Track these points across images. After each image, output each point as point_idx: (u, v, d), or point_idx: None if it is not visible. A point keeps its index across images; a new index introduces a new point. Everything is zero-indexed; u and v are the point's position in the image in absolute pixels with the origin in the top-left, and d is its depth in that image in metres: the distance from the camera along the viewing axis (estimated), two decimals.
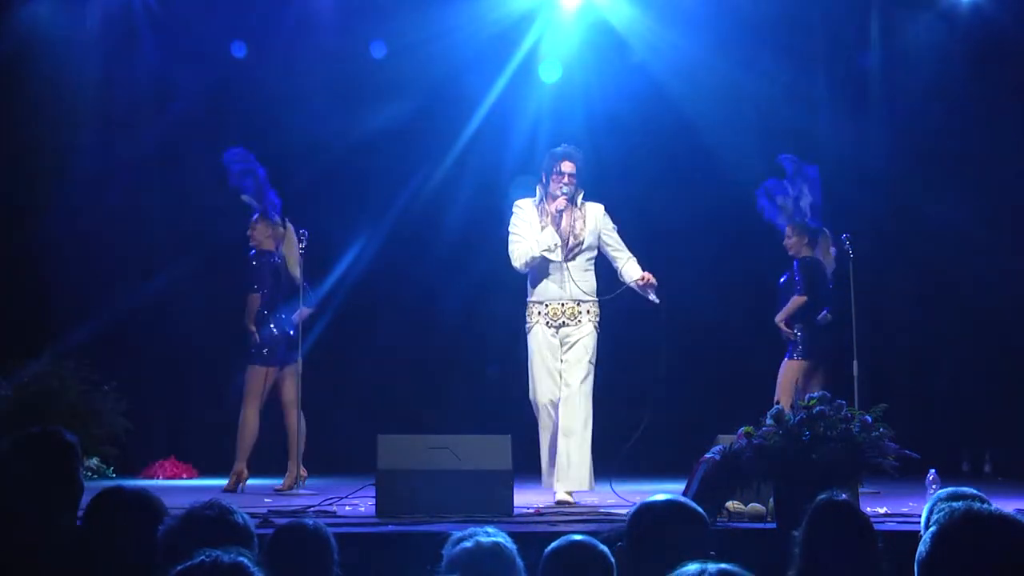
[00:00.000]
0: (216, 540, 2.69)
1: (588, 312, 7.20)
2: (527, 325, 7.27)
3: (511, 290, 9.90)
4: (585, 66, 10.20)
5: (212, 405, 9.96)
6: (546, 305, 7.19)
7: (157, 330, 9.91)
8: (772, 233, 9.12)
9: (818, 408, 5.56)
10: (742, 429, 5.68)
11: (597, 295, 7.24)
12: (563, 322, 7.17)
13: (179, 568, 2.34)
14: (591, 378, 7.10)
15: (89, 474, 8.53)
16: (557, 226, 7.17)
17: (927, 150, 10.03)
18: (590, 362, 7.12)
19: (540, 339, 7.17)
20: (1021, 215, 9.89)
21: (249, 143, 9.12)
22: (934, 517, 2.48)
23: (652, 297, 7.17)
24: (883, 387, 8.80)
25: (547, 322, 7.17)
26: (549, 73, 10.24)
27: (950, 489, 3.81)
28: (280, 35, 9.94)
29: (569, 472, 6.95)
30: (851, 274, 8.24)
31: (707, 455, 5.84)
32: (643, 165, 9.97)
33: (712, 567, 2.35)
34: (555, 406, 7.09)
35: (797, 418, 5.55)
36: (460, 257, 10.14)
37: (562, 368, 7.12)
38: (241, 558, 2.34)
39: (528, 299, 7.28)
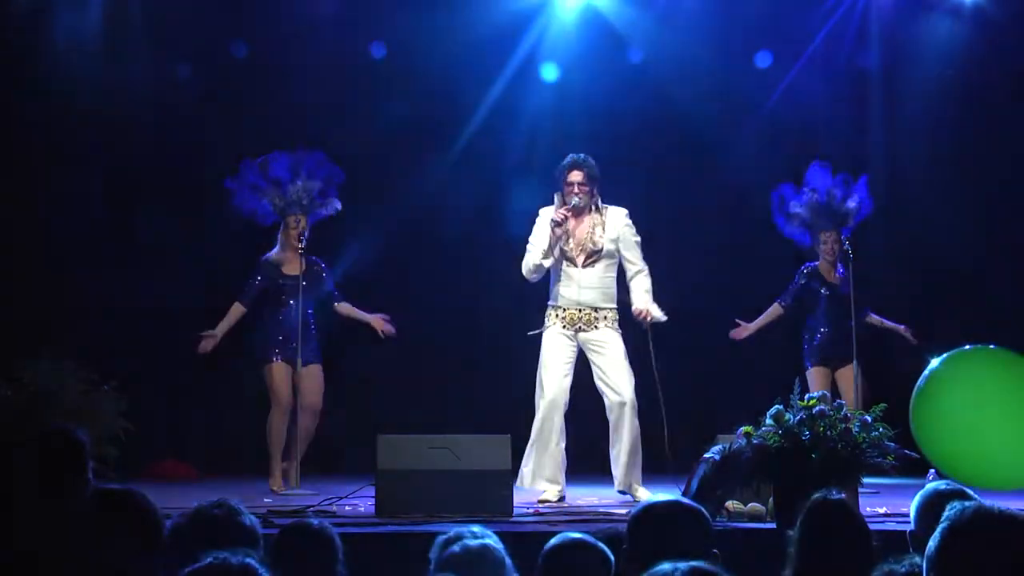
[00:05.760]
0: (223, 540, 2.70)
1: (606, 318, 7.26)
2: (544, 325, 7.33)
3: (512, 290, 9.90)
4: (585, 66, 10.20)
5: (212, 405, 9.97)
6: (564, 309, 7.26)
7: (157, 330, 9.90)
8: (772, 233, 9.11)
9: (818, 408, 5.58)
10: (742, 429, 5.70)
11: (616, 301, 7.34)
12: (580, 327, 7.24)
13: (187, 570, 2.35)
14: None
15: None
16: (555, 235, 7.21)
17: (926, 150, 10.04)
18: (629, 367, 7.21)
19: (554, 341, 7.25)
20: (1021, 214, 9.90)
21: (248, 143, 9.13)
22: (944, 514, 2.49)
23: (645, 326, 7.26)
24: (883, 387, 8.81)
25: (563, 325, 7.24)
26: (549, 72, 10.24)
27: (939, 485, 3.81)
28: (280, 35, 9.94)
29: (622, 471, 7.10)
30: (851, 275, 8.25)
31: (707, 455, 5.85)
32: (643, 165, 9.97)
33: (683, 565, 2.36)
34: (558, 408, 7.16)
35: (797, 418, 5.57)
36: (460, 256, 10.14)
37: (603, 376, 7.20)
38: (249, 560, 2.34)
39: (547, 302, 7.37)
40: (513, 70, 10.16)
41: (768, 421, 5.62)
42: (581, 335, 7.25)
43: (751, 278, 9.94)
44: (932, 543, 2.45)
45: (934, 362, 7.02)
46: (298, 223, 8.05)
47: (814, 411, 5.57)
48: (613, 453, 7.18)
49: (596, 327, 7.24)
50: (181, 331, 9.98)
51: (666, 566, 2.37)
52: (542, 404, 7.17)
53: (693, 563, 2.38)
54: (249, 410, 9.96)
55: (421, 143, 10.08)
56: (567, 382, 7.21)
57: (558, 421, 7.16)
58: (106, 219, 9.83)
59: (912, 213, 9.94)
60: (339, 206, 8.26)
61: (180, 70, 9.96)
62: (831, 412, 5.62)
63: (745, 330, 8.63)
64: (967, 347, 7.16)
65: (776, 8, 10.08)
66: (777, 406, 5.65)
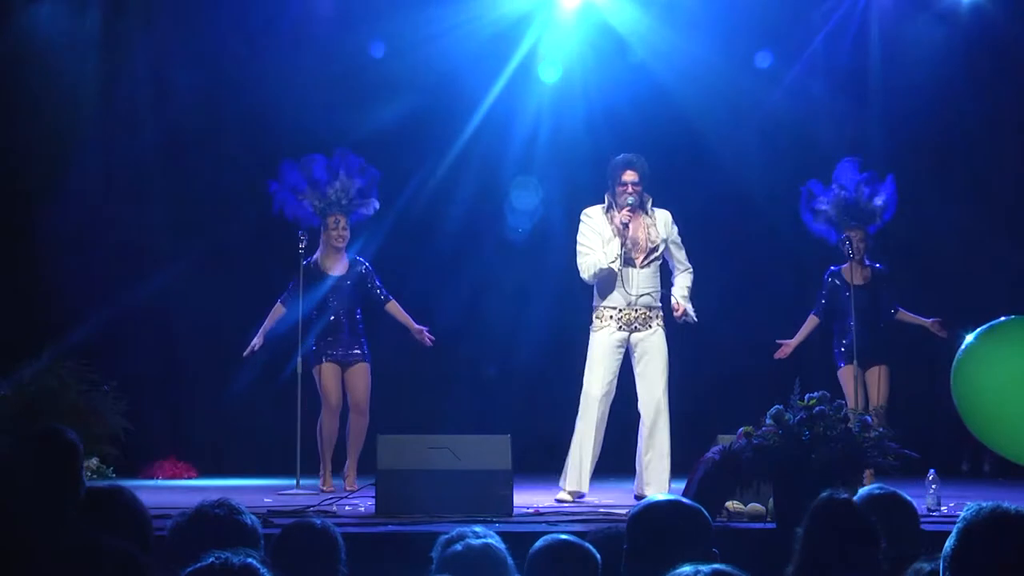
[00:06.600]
0: (224, 539, 2.70)
1: (658, 317, 7.29)
2: (593, 327, 7.30)
3: (512, 288, 9.91)
4: (585, 66, 10.19)
5: (212, 405, 9.97)
6: (619, 310, 7.24)
7: (157, 330, 9.90)
8: (772, 233, 9.11)
9: (818, 408, 5.58)
10: (742, 429, 5.70)
11: (661, 300, 7.39)
12: (636, 327, 7.25)
13: (189, 570, 2.35)
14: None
15: (89, 474, 8.53)
16: (624, 237, 7.19)
17: (927, 150, 10.04)
18: (666, 372, 7.24)
19: (606, 340, 7.23)
20: (1020, 214, 9.91)
21: (248, 143, 9.14)
22: (961, 514, 2.50)
23: (679, 322, 7.38)
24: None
25: (619, 327, 7.23)
26: (549, 73, 10.23)
27: (872, 488, 3.83)
28: (280, 35, 9.93)
29: (652, 476, 7.08)
30: (851, 275, 8.25)
31: (707, 455, 5.85)
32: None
33: (705, 568, 2.36)
34: (606, 402, 7.19)
35: (797, 418, 5.57)
36: (460, 256, 10.14)
37: (641, 376, 7.23)
38: (250, 559, 2.34)
39: (597, 303, 7.32)
40: (512, 70, 10.15)
41: (768, 421, 5.62)
42: (634, 335, 7.24)
43: (752, 277, 9.94)
44: (948, 543, 2.46)
45: (969, 337, 6.73)
46: (337, 223, 8.05)
47: (814, 411, 5.57)
48: (646, 459, 7.16)
49: (649, 327, 7.26)
50: (181, 331, 10.02)
51: (687, 568, 2.37)
52: (596, 405, 7.16)
53: (716, 565, 2.39)
54: (250, 410, 9.99)
55: (421, 143, 10.07)
56: (615, 384, 7.25)
57: (602, 417, 7.20)
58: (107, 219, 9.83)
59: (912, 213, 9.93)
60: (378, 205, 8.27)
61: (180, 70, 9.95)
62: (831, 412, 5.62)
63: (788, 347, 8.56)
64: (1001, 319, 6.76)
65: (776, 8, 10.08)
66: (777, 406, 5.65)
